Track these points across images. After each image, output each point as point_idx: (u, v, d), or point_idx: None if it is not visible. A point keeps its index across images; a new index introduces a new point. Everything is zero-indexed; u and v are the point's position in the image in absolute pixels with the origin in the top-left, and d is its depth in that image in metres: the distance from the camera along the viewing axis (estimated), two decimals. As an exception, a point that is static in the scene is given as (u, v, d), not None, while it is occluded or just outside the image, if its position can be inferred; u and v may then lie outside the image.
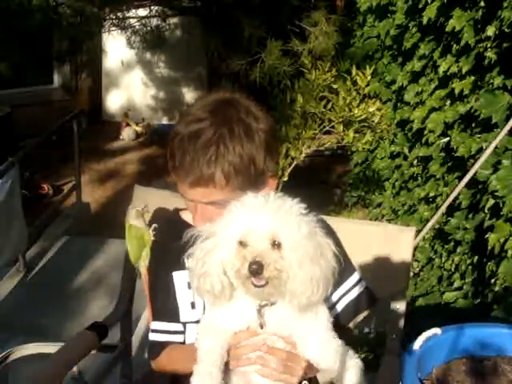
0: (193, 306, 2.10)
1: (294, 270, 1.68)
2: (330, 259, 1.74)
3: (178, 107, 11.70)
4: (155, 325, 2.16)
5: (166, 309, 2.14)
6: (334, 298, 2.09)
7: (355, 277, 2.14)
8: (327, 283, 1.73)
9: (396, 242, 2.47)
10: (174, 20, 9.80)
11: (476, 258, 4.11)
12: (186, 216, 2.18)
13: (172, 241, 2.11)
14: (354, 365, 1.88)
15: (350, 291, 2.11)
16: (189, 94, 11.77)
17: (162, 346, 2.14)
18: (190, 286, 2.08)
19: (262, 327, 1.78)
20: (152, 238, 2.25)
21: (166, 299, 2.13)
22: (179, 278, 2.11)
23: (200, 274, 1.73)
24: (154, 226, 2.28)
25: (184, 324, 2.12)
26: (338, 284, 2.05)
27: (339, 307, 2.10)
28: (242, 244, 1.66)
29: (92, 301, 4.93)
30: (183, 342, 2.13)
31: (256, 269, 1.62)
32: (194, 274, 1.75)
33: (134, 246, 2.31)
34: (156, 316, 2.18)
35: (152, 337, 2.16)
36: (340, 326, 1.99)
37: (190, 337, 2.11)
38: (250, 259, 1.63)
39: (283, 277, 1.67)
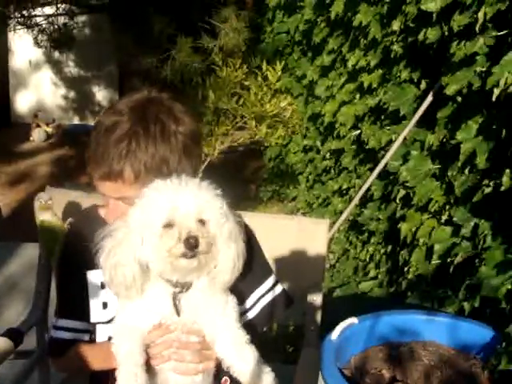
0: (104, 305, 2.09)
1: (220, 246, 1.71)
2: (243, 239, 1.78)
3: (89, 107, 11.56)
4: (61, 322, 2.12)
5: (74, 306, 2.11)
6: (250, 302, 2.09)
7: (271, 280, 2.14)
8: (241, 263, 1.78)
9: (311, 234, 2.50)
10: (82, 18, 9.66)
11: (389, 247, 4.20)
12: (104, 212, 2.15)
13: (88, 237, 2.09)
14: (268, 373, 1.87)
15: (265, 295, 2.12)
16: (100, 93, 11.64)
17: (67, 344, 2.10)
18: (103, 286, 2.07)
19: (178, 314, 1.78)
20: (65, 231, 2.21)
21: (75, 297, 2.10)
22: (93, 276, 2.08)
23: (111, 265, 1.71)
24: (69, 220, 2.24)
25: (94, 324, 2.10)
26: (254, 286, 2.08)
27: (254, 311, 2.10)
28: (168, 225, 1.65)
29: (7, 307, 4.81)
30: (90, 342, 2.11)
31: (193, 243, 1.62)
32: (106, 266, 1.73)
33: (46, 241, 2.27)
34: (62, 313, 2.13)
35: (56, 334, 2.13)
36: (255, 331, 1.99)
37: (100, 337, 2.10)
38: (184, 235, 1.62)
39: (213, 251, 1.70)
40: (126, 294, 1.77)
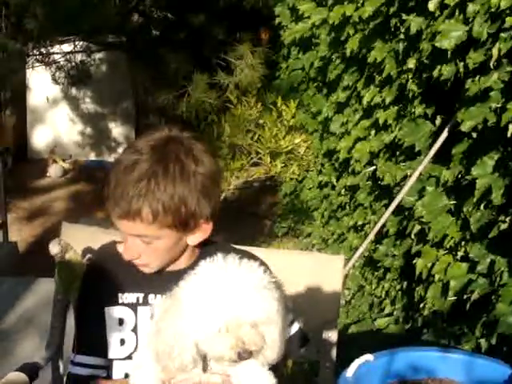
0: (122, 342, 2.08)
1: (268, 340, 1.70)
2: (291, 321, 1.83)
3: (105, 143, 11.63)
4: (79, 358, 2.11)
5: (92, 343, 2.11)
6: None
7: (289, 318, 2.14)
8: (285, 343, 1.78)
9: (326, 270, 2.50)
10: (99, 55, 9.75)
11: (405, 283, 4.17)
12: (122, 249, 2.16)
13: (106, 275, 2.10)
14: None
15: None
16: (116, 130, 11.71)
17: (85, 380, 2.09)
18: (121, 323, 2.07)
19: (205, 371, 1.77)
20: (84, 269, 2.21)
21: (93, 333, 2.10)
22: (111, 313, 2.08)
23: (171, 356, 1.69)
24: (88, 256, 2.25)
25: (111, 360, 2.09)
26: None
27: None
28: (223, 330, 1.64)
29: (22, 342, 4.81)
30: (107, 378, 2.10)
31: (247, 356, 1.64)
32: (162, 355, 1.72)
33: (65, 279, 2.27)
34: (81, 349, 2.13)
35: (74, 370, 2.11)
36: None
37: (117, 373, 2.09)
38: (239, 349, 1.62)
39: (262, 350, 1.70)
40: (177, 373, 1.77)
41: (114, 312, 2.08)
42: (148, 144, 1.92)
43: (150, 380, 1.79)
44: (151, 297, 2.08)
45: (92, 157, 11.67)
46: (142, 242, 1.93)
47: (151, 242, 1.91)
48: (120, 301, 2.08)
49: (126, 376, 2.06)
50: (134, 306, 2.09)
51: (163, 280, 1.91)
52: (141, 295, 2.09)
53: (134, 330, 2.08)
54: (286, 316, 1.77)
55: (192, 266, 1.93)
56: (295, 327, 2.15)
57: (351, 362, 2.76)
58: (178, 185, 1.87)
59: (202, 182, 1.91)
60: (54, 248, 2.31)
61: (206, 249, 2.09)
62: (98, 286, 2.11)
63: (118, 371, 2.09)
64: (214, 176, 1.98)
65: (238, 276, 1.67)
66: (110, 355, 2.09)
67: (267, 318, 1.67)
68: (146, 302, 2.08)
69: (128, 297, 2.09)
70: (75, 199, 9.52)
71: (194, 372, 1.77)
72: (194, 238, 2.01)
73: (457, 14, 3.24)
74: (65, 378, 2.33)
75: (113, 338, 2.09)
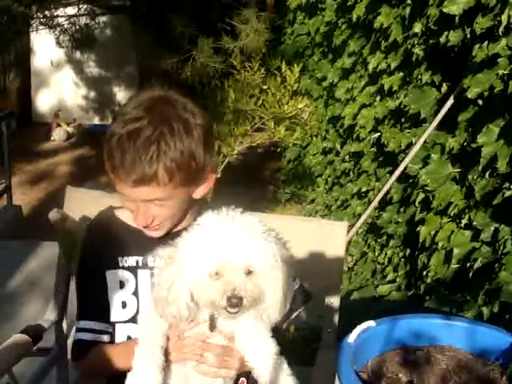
0: (124, 305, 2.10)
1: (268, 296, 1.71)
2: (293, 277, 1.80)
3: (109, 107, 11.60)
4: (82, 323, 2.12)
5: (94, 308, 2.12)
6: None
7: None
8: (289, 302, 1.80)
9: (329, 236, 2.50)
10: (103, 19, 9.69)
11: (408, 250, 4.17)
12: (121, 214, 2.16)
13: (106, 239, 2.11)
14: (285, 372, 1.88)
15: None
16: (120, 94, 11.68)
17: (89, 345, 2.10)
18: (122, 286, 2.09)
19: (211, 330, 1.79)
20: (83, 238, 2.21)
21: (95, 298, 2.11)
22: (112, 277, 2.10)
23: (167, 301, 1.71)
24: (86, 224, 2.25)
25: (113, 324, 2.10)
26: None
27: None
28: (215, 274, 1.65)
29: (26, 304, 4.84)
30: (110, 342, 2.11)
31: (236, 302, 1.63)
32: (160, 301, 1.74)
33: (66, 247, 2.28)
34: (83, 315, 2.14)
35: (78, 336, 2.13)
36: (274, 327, 1.99)
37: (119, 336, 2.10)
38: (228, 293, 1.62)
39: (258, 303, 1.70)
40: (175, 322, 1.79)
41: (115, 275, 2.10)
42: (142, 108, 1.92)
43: (157, 328, 1.81)
44: (150, 260, 2.09)
45: (96, 121, 11.67)
46: (154, 206, 1.93)
47: (165, 203, 1.92)
48: (120, 264, 2.10)
49: (129, 339, 2.09)
50: (134, 270, 2.10)
51: (163, 242, 1.92)
52: (140, 258, 2.10)
53: (135, 293, 2.10)
54: (288, 274, 1.76)
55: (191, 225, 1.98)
56: (297, 282, 2.15)
57: (353, 328, 2.77)
58: (185, 140, 1.88)
59: (202, 133, 1.93)
60: (53, 217, 2.30)
61: (204, 208, 2.11)
62: (97, 251, 2.12)
63: (120, 334, 2.10)
64: (210, 126, 2.03)
65: (234, 223, 1.68)
66: (112, 318, 2.10)
67: (262, 267, 1.67)
68: (145, 265, 2.10)
69: (128, 260, 2.10)
70: (79, 163, 9.53)
71: (200, 328, 1.80)
72: (200, 191, 2.03)
73: (465, -22, 3.21)
74: (70, 341, 2.35)
75: (114, 301, 2.10)
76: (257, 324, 1.79)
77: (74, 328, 2.18)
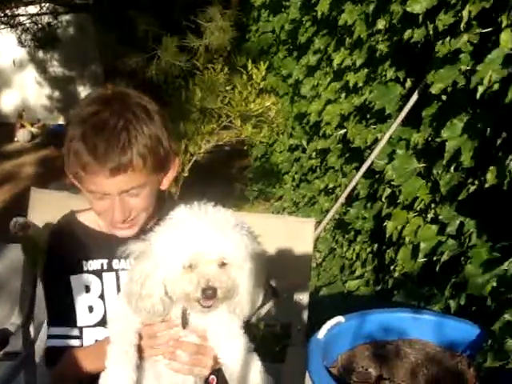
0: (90, 309, 2.08)
1: (242, 288, 1.72)
2: (266, 269, 1.79)
3: (73, 106, 11.44)
4: (53, 330, 2.11)
5: (63, 313, 2.10)
6: None
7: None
8: (261, 296, 1.80)
9: (297, 233, 2.51)
10: (66, 17, 9.61)
11: (375, 246, 4.21)
12: (84, 218, 2.15)
13: (69, 244, 2.10)
14: (256, 368, 1.87)
15: None
16: (84, 93, 11.56)
17: (60, 351, 2.08)
18: (87, 290, 2.08)
19: (184, 327, 1.79)
20: (46, 244, 2.19)
21: (63, 304, 2.10)
22: (77, 281, 2.09)
23: (141, 296, 1.71)
24: (50, 228, 2.23)
25: (81, 328, 2.09)
26: None
27: None
28: (189, 267, 1.65)
29: (-8, 308, 4.79)
30: (81, 347, 2.09)
31: (211, 293, 1.63)
32: (133, 295, 1.73)
33: (30, 254, 2.26)
34: (53, 321, 2.13)
35: (50, 343, 2.11)
36: (246, 324, 2.00)
37: (87, 341, 2.09)
38: (202, 284, 1.62)
39: (231, 295, 1.70)
40: (150, 318, 1.78)
41: (80, 280, 2.08)
42: (96, 104, 1.91)
43: (129, 326, 1.80)
44: (115, 262, 2.09)
45: (61, 121, 11.55)
46: (129, 198, 1.92)
47: (139, 193, 1.92)
48: (85, 268, 2.09)
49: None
50: (99, 273, 2.09)
51: (126, 243, 1.91)
52: (105, 261, 2.09)
53: (101, 296, 2.09)
54: (261, 267, 1.77)
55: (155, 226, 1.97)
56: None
57: (322, 324, 2.79)
58: (150, 125, 1.90)
59: (161, 118, 1.95)
60: (14, 227, 2.28)
61: (169, 206, 2.11)
62: (60, 256, 2.11)
63: (88, 338, 2.09)
64: (164, 112, 2.03)
65: (207, 216, 1.69)
66: (80, 323, 2.09)
67: (235, 258, 1.68)
68: (110, 268, 2.09)
69: (92, 264, 2.09)
70: (44, 164, 9.43)
71: (172, 326, 1.80)
72: (166, 180, 2.04)
73: (427, -24, 3.24)
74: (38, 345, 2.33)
75: (81, 306, 2.09)
76: (229, 321, 1.79)
77: (44, 333, 2.16)
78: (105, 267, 2.09)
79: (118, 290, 2.07)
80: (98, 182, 1.88)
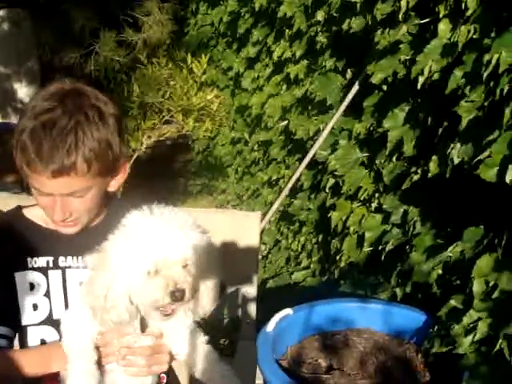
0: (35, 307, 2.02)
1: (203, 286, 1.71)
2: (220, 265, 1.78)
3: (11, 104, 11.29)
4: None
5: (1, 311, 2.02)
6: None
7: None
8: (218, 293, 1.79)
9: (243, 227, 2.50)
10: (0, 13, 9.41)
11: (321, 236, 4.23)
12: (30, 213, 2.09)
13: (13, 240, 2.04)
14: (202, 342, 1.87)
15: None
16: (22, 90, 11.38)
17: None
18: (32, 288, 2.02)
19: (143, 330, 1.77)
20: None
21: (1, 301, 2.02)
22: (21, 278, 2.02)
23: (105, 308, 1.67)
24: None
25: (25, 327, 2.03)
26: None
27: None
28: (155, 272, 1.62)
29: None
30: (10, 347, 2.01)
31: (179, 295, 1.61)
32: (97, 309, 1.69)
33: None
34: None
35: None
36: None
37: (32, 339, 2.03)
38: (171, 287, 1.60)
39: (196, 295, 1.69)
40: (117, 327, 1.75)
41: (24, 277, 2.02)
42: (53, 99, 1.86)
43: (87, 342, 1.77)
44: (61, 259, 2.04)
45: (-3, 118, 11.35)
46: (73, 198, 1.88)
47: (83, 195, 1.87)
48: (29, 265, 2.02)
49: (43, 342, 2.03)
50: (44, 270, 2.03)
51: (73, 240, 1.89)
52: (51, 259, 2.04)
53: (47, 294, 2.03)
54: (217, 264, 1.77)
55: (103, 223, 1.98)
56: None
57: (271, 317, 2.79)
58: (101, 129, 1.84)
59: (115, 122, 1.90)
60: None
61: (114, 204, 2.09)
62: (3, 252, 2.03)
63: (33, 337, 2.03)
64: (121, 115, 1.99)
65: (163, 219, 1.66)
66: (24, 321, 2.03)
67: (196, 258, 1.66)
68: (56, 266, 2.04)
69: (37, 261, 2.03)
70: (-19, 163, 9.25)
71: (128, 331, 1.78)
72: (115, 182, 2.00)
73: (364, -34, 3.26)
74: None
75: (25, 304, 2.02)
76: (183, 317, 1.78)
77: None
78: (50, 265, 2.04)
79: (64, 288, 2.02)
80: (41, 181, 1.84)
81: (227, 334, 3.40)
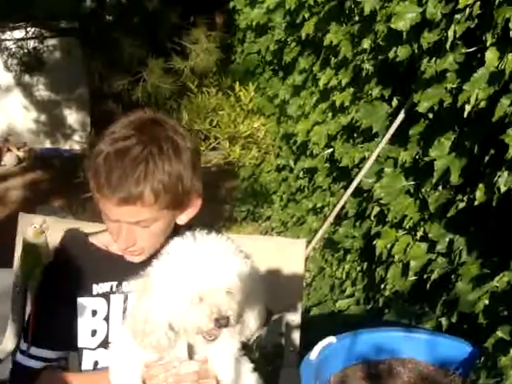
0: (93, 333, 2.04)
1: (247, 313, 1.72)
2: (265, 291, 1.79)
3: (60, 130, 11.49)
4: (35, 351, 2.03)
5: (52, 335, 2.05)
6: None
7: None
8: (264, 317, 1.81)
9: (288, 254, 2.50)
10: (52, 41, 9.60)
11: (365, 264, 4.20)
12: (96, 239, 2.11)
13: (78, 265, 2.05)
14: (247, 370, 1.87)
15: None
16: (71, 117, 11.58)
17: (38, 373, 2.02)
18: (94, 314, 2.03)
19: (191, 357, 1.78)
20: (50, 259, 2.12)
21: (55, 325, 2.04)
22: (84, 304, 2.03)
23: (145, 332, 1.69)
24: (55, 246, 2.18)
25: (81, 349, 2.04)
26: None
27: None
28: (199, 300, 1.63)
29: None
30: (62, 369, 2.06)
31: (224, 322, 1.62)
32: (137, 332, 1.71)
33: (27, 263, 2.19)
34: (37, 341, 2.05)
35: (26, 362, 2.04)
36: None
37: (87, 363, 2.04)
38: (216, 315, 1.61)
39: (240, 320, 1.71)
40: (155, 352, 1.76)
41: (87, 303, 2.04)
42: (131, 127, 1.88)
43: (132, 373, 1.78)
44: (125, 284, 2.03)
45: (47, 144, 11.53)
46: (138, 228, 1.89)
47: (149, 225, 1.88)
48: (94, 292, 2.04)
49: (96, 364, 2.04)
50: (107, 295, 2.04)
51: (138, 266, 1.89)
52: (114, 283, 2.05)
53: (106, 318, 2.04)
54: (262, 290, 1.77)
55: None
56: None
57: (314, 345, 2.78)
58: (174, 162, 1.84)
59: (191, 157, 1.90)
60: (29, 231, 2.21)
61: (182, 233, 2.10)
62: (66, 277, 2.05)
63: (87, 360, 2.05)
64: (198, 150, 2.01)
65: (206, 246, 1.67)
66: (80, 344, 2.04)
67: (240, 284, 1.66)
68: (119, 290, 2.04)
69: (102, 286, 2.04)
70: (31, 188, 9.40)
71: (176, 357, 1.78)
72: (184, 217, 2.00)
73: (411, -6, 3.26)
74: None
75: (84, 328, 2.04)
76: (229, 343, 1.78)
77: (20, 350, 2.10)
78: (114, 289, 2.05)
79: (124, 312, 2.01)
80: (108, 206, 1.86)
81: (270, 361, 3.39)
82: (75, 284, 2.02)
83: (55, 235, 2.20)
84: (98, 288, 2.04)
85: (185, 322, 1.65)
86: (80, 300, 2.04)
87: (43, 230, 2.12)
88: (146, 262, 1.90)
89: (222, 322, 1.62)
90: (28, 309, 2.32)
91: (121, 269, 2.00)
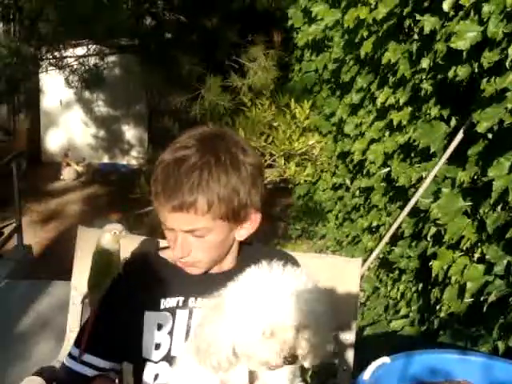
0: (157, 346, 2.04)
1: (313, 348, 1.70)
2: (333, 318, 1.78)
3: (118, 145, 11.68)
4: (90, 358, 2.05)
5: (109, 345, 2.07)
6: None
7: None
8: (330, 348, 1.82)
9: (343, 273, 2.49)
10: (112, 58, 9.79)
11: (421, 285, 4.16)
12: (165, 253, 2.13)
13: (147, 279, 2.07)
14: None
15: None
16: (129, 132, 11.76)
17: (88, 380, 2.04)
18: (159, 328, 2.04)
19: (251, 383, 1.77)
20: (119, 270, 2.11)
21: (115, 337, 2.05)
22: (151, 318, 2.04)
23: (207, 352, 1.70)
24: (126, 258, 2.20)
25: (144, 361, 2.05)
26: None
27: None
28: (270, 334, 1.63)
29: (37, 345, 4.82)
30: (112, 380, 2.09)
31: (292, 360, 1.63)
32: (200, 351, 1.72)
33: (98, 271, 2.18)
34: (91, 349, 2.06)
35: (78, 369, 2.06)
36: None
37: (148, 375, 2.05)
38: (285, 353, 1.61)
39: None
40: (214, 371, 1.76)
41: (154, 317, 2.05)
42: (194, 138, 1.92)
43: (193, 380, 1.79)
44: (191, 300, 2.04)
45: (105, 159, 11.73)
46: (193, 237, 1.91)
47: (203, 235, 1.89)
48: (162, 306, 2.05)
49: (156, 377, 2.05)
50: (173, 310, 2.05)
51: (205, 282, 1.89)
52: (181, 299, 2.05)
53: (170, 332, 2.05)
54: (330, 319, 1.76)
55: (235, 268, 1.98)
56: None
57: (368, 365, 2.75)
58: (231, 175, 1.86)
59: (251, 172, 1.91)
60: (106, 236, 2.21)
61: (245, 251, 2.11)
62: (135, 290, 2.06)
63: (149, 373, 2.06)
64: (260, 166, 2.01)
65: (282, 281, 1.66)
66: (145, 355, 2.05)
67: (312, 323, 1.66)
68: (185, 305, 2.05)
69: (170, 301, 2.05)
70: (89, 202, 9.56)
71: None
72: (243, 232, 2.01)
73: (472, 14, 3.24)
74: (57, 365, 2.28)
75: (148, 342, 2.05)
76: (289, 368, 1.77)
77: (71, 355, 2.11)
78: (180, 304, 2.05)
79: (188, 327, 2.03)
80: (164, 214, 1.90)
81: (324, 380, 3.37)
82: (144, 297, 2.04)
83: (124, 248, 2.20)
84: (165, 302, 2.05)
85: (252, 352, 1.65)
86: (148, 313, 2.05)
87: (120, 237, 2.12)
88: (213, 277, 1.94)
89: (290, 360, 1.62)
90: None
91: (187, 284, 2.03)
